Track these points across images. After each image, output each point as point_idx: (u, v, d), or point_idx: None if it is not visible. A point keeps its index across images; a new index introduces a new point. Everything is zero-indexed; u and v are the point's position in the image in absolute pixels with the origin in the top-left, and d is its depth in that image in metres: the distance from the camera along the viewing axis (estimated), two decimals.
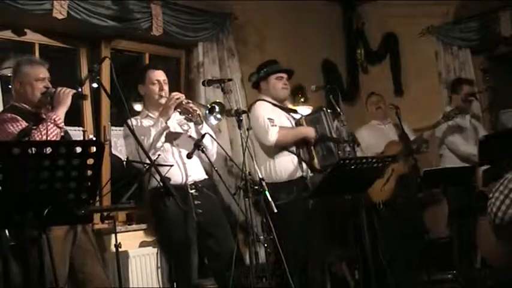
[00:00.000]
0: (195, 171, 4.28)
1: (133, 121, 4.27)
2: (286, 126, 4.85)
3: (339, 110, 4.99)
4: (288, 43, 7.06)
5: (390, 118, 6.21)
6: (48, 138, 3.57)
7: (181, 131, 4.37)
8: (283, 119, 4.92)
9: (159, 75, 4.40)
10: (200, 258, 4.36)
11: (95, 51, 5.59)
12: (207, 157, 4.23)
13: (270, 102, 4.94)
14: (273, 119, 4.79)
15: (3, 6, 4.57)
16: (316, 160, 4.75)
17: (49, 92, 3.79)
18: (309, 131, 4.80)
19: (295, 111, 5.12)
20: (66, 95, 3.75)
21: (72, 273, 3.78)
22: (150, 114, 4.35)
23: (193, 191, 4.21)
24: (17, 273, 3.64)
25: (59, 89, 3.81)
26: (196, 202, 4.20)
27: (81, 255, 3.79)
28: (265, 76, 5.05)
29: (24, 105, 3.82)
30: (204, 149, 4.13)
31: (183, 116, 4.33)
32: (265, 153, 4.86)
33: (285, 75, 5.03)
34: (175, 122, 4.38)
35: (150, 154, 3.90)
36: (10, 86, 4.00)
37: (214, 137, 4.40)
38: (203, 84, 4.68)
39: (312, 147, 4.83)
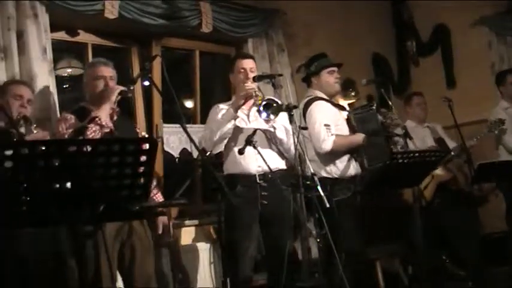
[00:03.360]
0: (269, 162, 4.18)
1: (217, 107, 4.44)
2: (341, 135, 4.69)
3: (390, 103, 4.92)
4: (337, 37, 7.02)
5: (429, 119, 6.06)
6: (90, 137, 3.66)
7: (262, 124, 4.28)
8: (339, 119, 4.78)
9: (246, 63, 4.42)
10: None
11: (145, 49, 5.67)
12: (259, 152, 4.18)
13: (324, 99, 4.81)
14: (329, 125, 4.62)
15: (56, 8, 4.68)
16: (365, 160, 4.66)
17: (106, 89, 3.88)
18: (360, 139, 4.65)
19: (343, 108, 5.02)
20: (112, 92, 3.82)
21: (124, 269, 3.85)
22: None
23: (261, 181, 4.21)
24: (73, 269, 3.72)
25: (108, 86, 3.89)
26: (263, 193, 4.19)
27: (133, 252, 3.85)
28: (317, 71, 4.87)
29: (89, 104, 3.92)
30: (255, 145, 4.11)
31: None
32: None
33: (336, 69, 4.89)
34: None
35: (215, 140, 4.10)
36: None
37: (289, 130, 4.30)
38: (253, 80, 4.67)
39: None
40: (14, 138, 3.69)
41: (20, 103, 3.84)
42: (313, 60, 4.94)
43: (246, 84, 4.26)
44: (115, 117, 3.97)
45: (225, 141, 4.29)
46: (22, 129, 3.75)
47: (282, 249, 4.21)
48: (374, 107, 4.71)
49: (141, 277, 3.85)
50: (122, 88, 3.86)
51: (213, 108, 4.48)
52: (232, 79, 4.50)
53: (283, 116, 4.13)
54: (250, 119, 4.35)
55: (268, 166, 4.12)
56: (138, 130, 4.32)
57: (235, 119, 4.22)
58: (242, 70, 4.38)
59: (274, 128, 4.27)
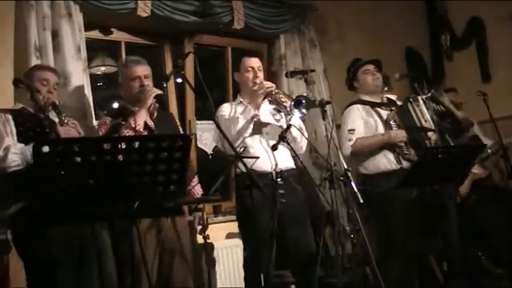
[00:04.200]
0: (283, 160, 4.28)
1: (227, 107, 4.44)
2: (365, 136, 4.72)
3: (424, 98, 4.86)
4: (369, 32, 6.97)
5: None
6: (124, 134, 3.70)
7: (273, 121, 4.40)
8: (372, 120, 4.79)
9: (253, 62, 4.46)
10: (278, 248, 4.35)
11: (178, 47, 5.71)
12: (293, 149, 4.22)
13: (363, 102, 4.86)
14: (353, 130, 4.71)
15: (90, 7, 4.73)
16: (412, 152, 4.63)
17: (143, 91, 3.90)
18: (388, 136, 4.67)
19: (393, 103, 4.98)
20: (148, 96, 3.84)
21: (162, 268, 3.86)
22: (243, 101, 4.41)
23: (278, 179, 4.22)
24: (111, 265, 3.76)
25: (145, 88, 3.90)
26: (280, 191, 4.20)
27: (168, 252, 3.86)
28: (354, 75, 4.98)
29: (128, 104, 3.96)
30: (289, 141, 4.13)
31: (274, 106, 4.37)
32: None
33: (371, 67, 4.92)
34: (268, 111, 4.42)
35: (238, 141, 4.05)
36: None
37: (303, 129, 4.41)
38: (286, 76, 4.70)
39: (407, 140, 4.69)
40: (44, 122, 3.76)
41: (47, 89, 3.87)
42: (350, 67, 5.06)
43: (265, 83, 4.31)
44: (155, 114, 4.00)
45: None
46: (51, 116, 3.82)
47: (309, 246, 4.23)
48: (411, 99, 4.71)
49: (177, 276, 3.86)
50: (157, 92, 3.87)
51: (222, 109, 4.47)
52: (237, 77, 4.55)
53: (298, 114, 4.14)
54: (261, 118, 4.36)
55: (301, 162, 4.13)
56: (178, 124, 4.32)
57: (254, 118, 4.23)
58: (250, 69, 4.44)
59: (291, 126, 4.27)
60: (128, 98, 4.03)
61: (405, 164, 4.62)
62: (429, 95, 4.85)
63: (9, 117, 3.71)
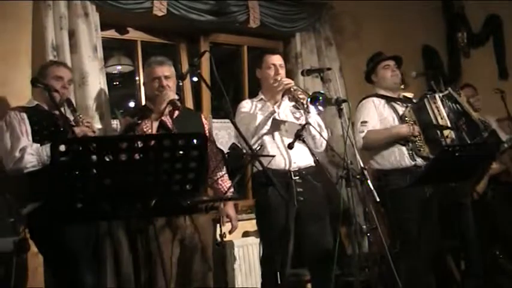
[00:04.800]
0: (301, 158, 4.26)
1: (247, 103, 4.44)
2: (377, 129, 4.73)
3: (441, 96, 4.84)
4: (385, 30, 6.93)
5: (481, 112, 5.92)
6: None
7: (292, 118, 4.37)
8: (388, 115, 4.79)
9: (275, 59, 4.43)
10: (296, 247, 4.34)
11: (194, 45, 5.72)
12: (308, 147, 4.21)
13: (379, 96, 4.85)
14: (366, 122, 4.72)
15: (107, 7, 4.76)
16: (426, 149, 4.60)
17: (160, 92, 3.89)
18: (401, 130, 4.65)
19: (409, 100, 4.97)
20: (162, 101, 3.82)
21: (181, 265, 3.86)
22: (264, 98, 4.40)
23: (296, 177, 4.21)
24: (127, 262, 3.77)
25: (161, 92, 3.88)
26: (298, 189, 4.19)
27: (186, 250, 3.86)
28: (373, 68, 4.97)
29: (150, 104, 3.96)
30: (305, 139, 4.12)
31: (293, 103, 4.36)
32: None
33: (391, 63, 4.92)
34: (288, 109, 4.40)
35: (255, 138, 4.04)
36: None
37: (322, 126, 4.39)
38: (302, 74, 4.69)
39: (421, 136, 4.67)
40: (59, 122, 3.78)
41: (61, 84, 3.89)
42: (370, 60, 5.05)
43: (284, 79, 4.28)
44: (176, 114, 3.99)
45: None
46: (66, 113, 3.84)
47: (326, 243, 4.23)
48: (428, 96, 4.70)
49: (196, 275, 3.85)
50: (170, 97, 3.84)
51: (242, 105, 4.47)
52: (259, 74, 4.50)
53: (314, 111, 4.13)
54: (281, 115, 4.35)
55: (317, 160, 4.11)
56: (205, 123, 4.27)
57: (272, 114, 4.23)
58: (272, 66, 4.40)
59: (309, 124, 4.26)
60: (150, 98, 4.03)
61: (419, 160, 4.61)
62: (446, 92, 4.83)
63: (25, 116, 3.73)
